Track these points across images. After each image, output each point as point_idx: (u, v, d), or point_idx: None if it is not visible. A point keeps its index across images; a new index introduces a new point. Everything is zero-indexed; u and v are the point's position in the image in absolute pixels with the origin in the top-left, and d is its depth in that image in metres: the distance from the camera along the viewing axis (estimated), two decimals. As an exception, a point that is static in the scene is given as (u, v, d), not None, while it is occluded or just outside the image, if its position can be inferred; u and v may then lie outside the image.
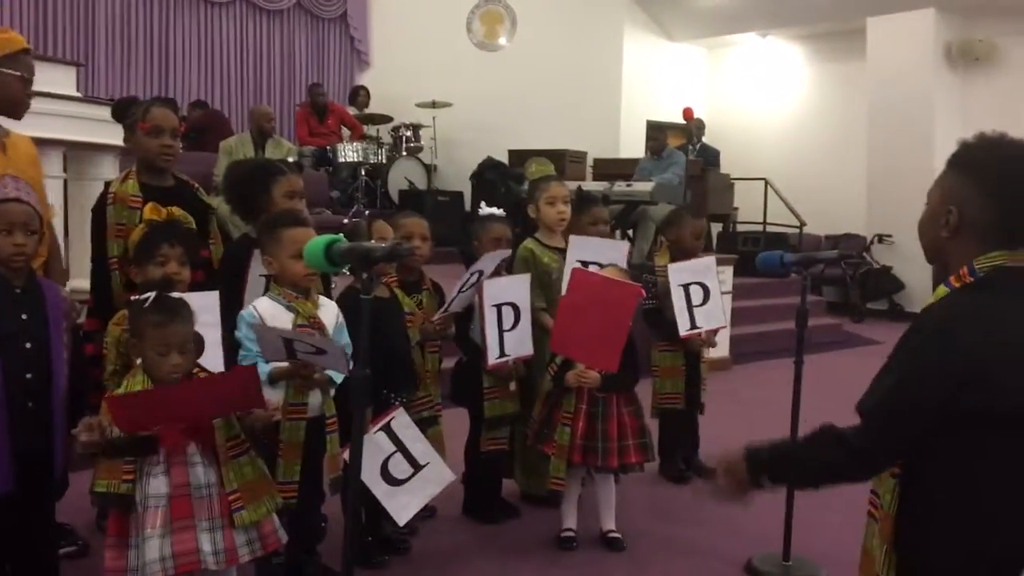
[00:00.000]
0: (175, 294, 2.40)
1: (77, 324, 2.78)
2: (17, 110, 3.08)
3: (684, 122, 10.64)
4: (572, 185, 8.32)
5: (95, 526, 3.28)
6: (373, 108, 11.09)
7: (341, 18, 12.26)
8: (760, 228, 10.38)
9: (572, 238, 3.74)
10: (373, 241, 3.11)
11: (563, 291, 3.65)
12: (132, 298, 2.40)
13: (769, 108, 12.35)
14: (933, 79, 10.36)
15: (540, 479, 3.59)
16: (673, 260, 4.17)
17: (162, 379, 2.30)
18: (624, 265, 3.69)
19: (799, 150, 11.81)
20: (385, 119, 10.90)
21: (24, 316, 2.51)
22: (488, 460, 3.62)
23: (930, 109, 10.28)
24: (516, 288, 3.50)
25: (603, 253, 3.73)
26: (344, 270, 2.18)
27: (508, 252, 3.57)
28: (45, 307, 2.56)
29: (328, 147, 10.17)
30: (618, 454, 3.35)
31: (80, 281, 4.67)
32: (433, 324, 3.38)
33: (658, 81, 12.05)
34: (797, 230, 10.26)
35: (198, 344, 2.39)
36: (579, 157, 10.46)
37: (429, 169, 10.94)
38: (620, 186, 8.07)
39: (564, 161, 10.09)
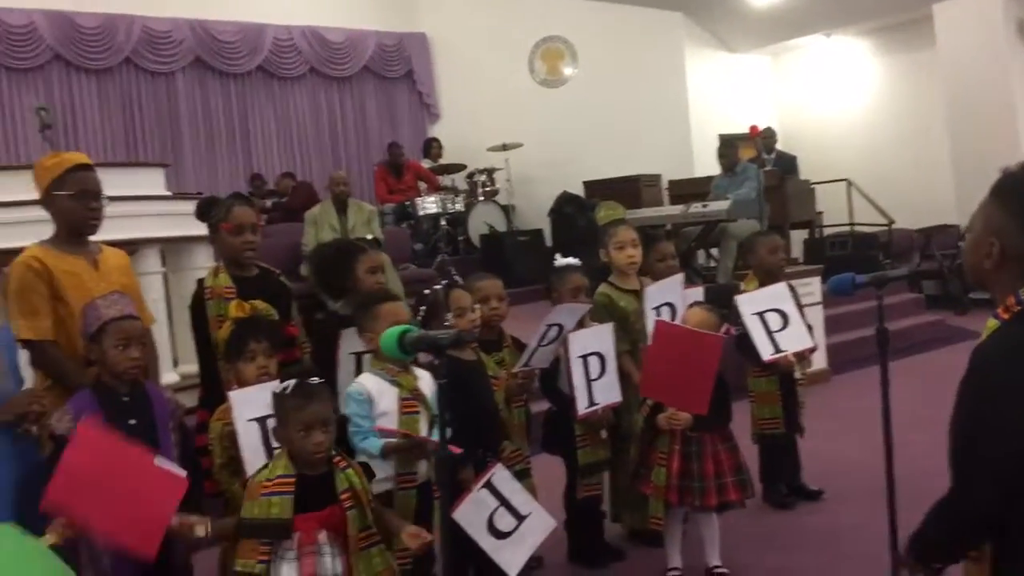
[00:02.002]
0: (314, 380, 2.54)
1: (182, 421, 2.96)
2: (84, 227, 3.16)
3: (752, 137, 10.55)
4: (648, 213, 8.44)
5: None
6: (446, 158, 11.35)
7: (407, 76, 12.61)
8: (847, 230, 10.18)
9: (646, 290, 3.79)
10: (450, 313, 3.23)
11: (646, 332, 3.71)
12: (273, 390, 2.55)
13: (842, 107, 12.15)
14: (1008, 57, 10.05)
15: (643, 514, 3.62)
16: (761, 284, 4.18)
17: (307, 459, 2.42)
18: (692, 296, 3.74)
19: (878, 146, 11.56)
20: (459, 167, 11.14)
21: (132, 421, 2.70)
22: (587, 506, 3.67)
23: (1008, 88, 9.96)
24: (600, 338, 3.56)
25: (675, 294, 3.78)
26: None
27: (588, 307, 3.63)
28: (152, 411, 2.76)
29: (407, 202, 10.44)
30: (716, 492, 3.37)
31: (186, 367, 4.96)
32: (516, 380, 3.47)
33: (725, 94, 12.01)
34: (886, 228, 10.03)
35: (338, 425, 2.52)
36: (653, 181, 10.48)
37: (507, 210, 11.11)
38: (696, 207, 8.06)
39: (639, 187, 10.13)
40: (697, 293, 4.11)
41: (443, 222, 10.27)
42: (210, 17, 10.94)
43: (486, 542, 2.93)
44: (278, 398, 2.48)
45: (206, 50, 10.95)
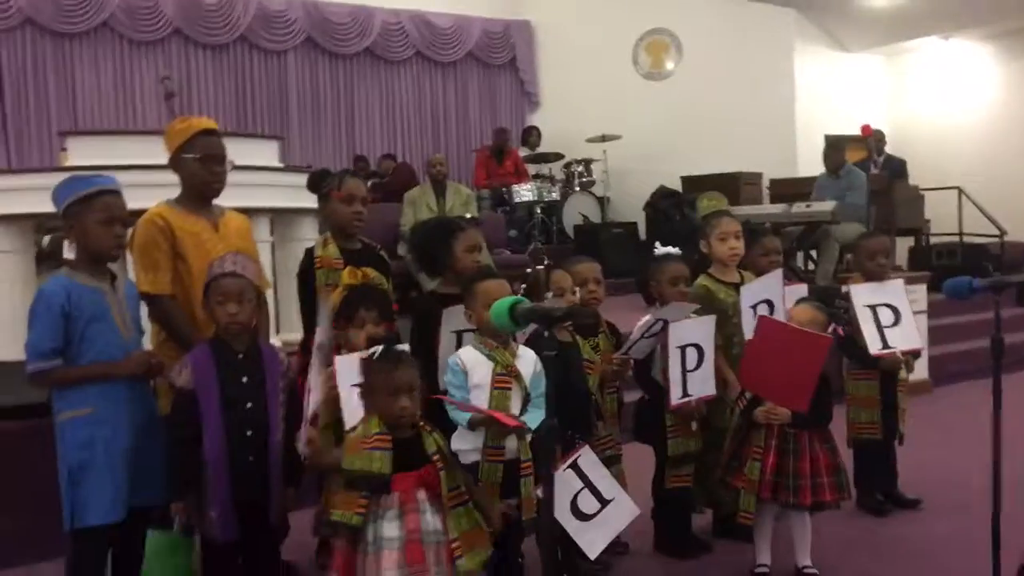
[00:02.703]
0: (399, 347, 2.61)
1: (291, 381, 3.07)
2: (207, 190, 3.31)
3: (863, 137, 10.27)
4: (749, 210, 8.30)
5: (316, 565, 3.57)
6: (544, 147, 11.38)
7: (511, 63, 12.70)
8: (956, 240, 9.82)
9: (742, 290, 3.75)
10: (550, 293, 3.26)
11: (742, 328, 3.68)
12: (361, 356, 2.62)
13: (958, 113, 11.72)
14: None
15: (732, 506, 3.59)
16: (868, 287, 4.09)
17: (394, 422, 2.49)
18: (796, 293, 3.68)
19: (994, 154, 11.11)
20: (557, 156, 11.16)
21: (245, 379, 2.82)
22: (675, 496, 3.66)
23: None
24: (701, 329, 3.54)
25: (774, 291, 3.73)
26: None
27: (695, 307, 3.60)
28: (263, 370, 2.87)
29: (504, 188, 10.52)
30: (811, 491, 3.31)
31: (288, 335, 5.11)
32: (611, 367, 3.48)
33: (834, 94, 11.71)
34: (997, 239, 9.64)
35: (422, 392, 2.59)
36: (754, 179, 10.31)
37: (602, 202, 11.08)
38: (799, 207, 7.90)
39: (739, 184, 9.97)
40: (800, 290, 4.03)
41: (538, 210, 10.31)
42: (323, -1, 11.22)
43: (568, 522, 2.96)
44: (366, 363, 2.55)
45: (317, 30, 11.23)
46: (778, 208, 8.10)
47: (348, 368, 2.80)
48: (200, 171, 3.26)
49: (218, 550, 2.76)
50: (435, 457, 2.53)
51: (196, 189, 3.30)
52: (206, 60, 10.60)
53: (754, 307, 3.74)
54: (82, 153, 4.84)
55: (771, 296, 3.77)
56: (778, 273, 3.89)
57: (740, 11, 11.24)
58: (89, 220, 2.80)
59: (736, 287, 3.84)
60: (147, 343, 3.14)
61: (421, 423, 2.57)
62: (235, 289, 2.84)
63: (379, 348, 2.54)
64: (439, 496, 2.51)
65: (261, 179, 4.92)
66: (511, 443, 2.92)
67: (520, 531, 3.07)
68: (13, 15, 9.44)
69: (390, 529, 2.42)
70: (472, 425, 2.84)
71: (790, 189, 9.49)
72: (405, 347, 2.63)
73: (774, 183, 10.26)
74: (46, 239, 6.19)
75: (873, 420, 4.10)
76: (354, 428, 2.56)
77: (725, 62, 11.21)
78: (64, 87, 9.80)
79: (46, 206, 3.09)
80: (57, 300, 2.73)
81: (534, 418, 2.88)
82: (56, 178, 3.02)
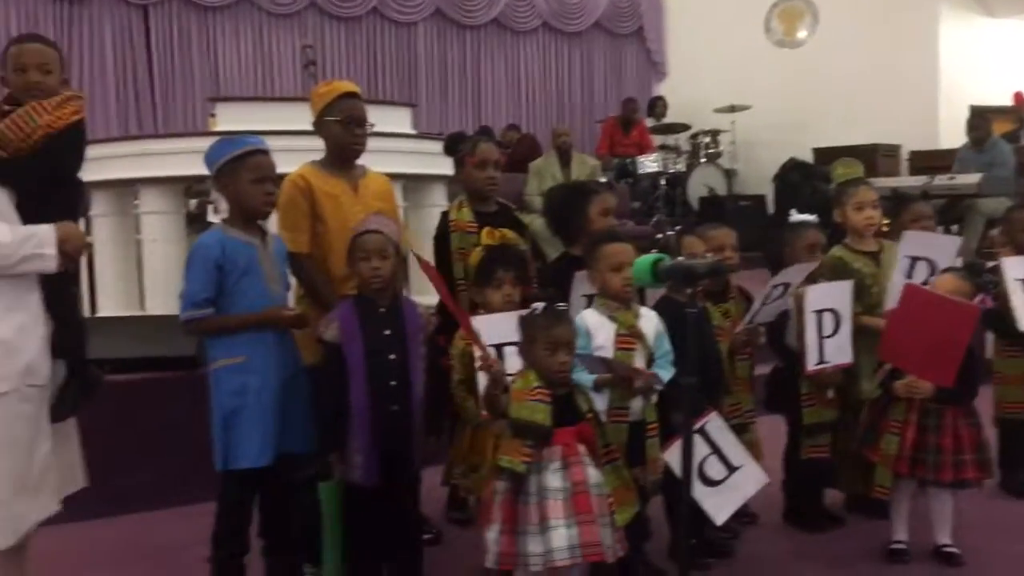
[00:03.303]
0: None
1: (432, 336, 3.15)
2: (346, 152, 3.38)
3: (1015, 107, 9.70)
4: (887, 182, 7.97)
5: (445, 518, 3.68)
6: (671, 117, 11.20)
7: (637, 32, 12.54)
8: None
9: (905, 234, 3.62)
10: (682, 256, 3.22)
11: (884, 299, 3.56)
12: (521, 313, 2.70)
13: (1117, 80, 10.90)
14: None
15: (867, 481, 3.49)
16: (1017, 259, 3.88)
17: (552, 376, 2.56)
18: (955, 263, 3.52)
19: None
20: (683, 127, 10.97)
21: (387, 332, 2.90)
22: (809, 468, 3.59)
23: None
24: (838, 294, 3.45)
25: (934, 249, 3.58)
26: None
27: (814, 265, 3.51)
28: (405, 323, 2.96)
29: (628, 159, 10.42)
30: (953, 468, 3.19)
31: (421, 298, 5.23)
32: (740, 335, 3.42)
33: (981, 62, 11.06)
34: None
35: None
36: (892, 151, 9.91)
37: (729, 174, 10.85)
38: (941, 179, 7.57)
39: (876, 156, 9.59)
40: (953, 243, 3.83)
41: (662, 182, 10.18)
42: (452, -30, 11.34)
43: (696, 488, 2.94)
44: (528, 319, 2.61)
45: (446, 2, 11.35)
46: (919, 180, 7.78)
47: (486, 329, 2.85)
48: (342, 133, 3.35)
49: (360, 495, 2.87)
50: (589, 415, 2.61)
51: (338, 151, 3.39)
52: (339, 32, 10.90)
53: (912, 263, 3.58)
54: (230, 118, 5.06)
55: (928, 254, 3.60)
56: (955, 239, 3.71)
57: (881, -26, 10.77)
58: (242, 179, 2.92)
59: (873, 256, 3.71)
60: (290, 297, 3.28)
61: (574, 381, 2.64)
62: (376, 245, 2.92)
63: (541, 304, 2.61)
64: (595, 451, 2.60)
65: (395, 145, 5.03)
66: (636, 404, 2.93)
67: (645, 493, 3.08)
68: (161, -13, 9.93)
69: (554, 480, 2.49)
70: (598, 385, 2.86)
71: (931, 161, 9.09)
72: (563, 306, 2.70)
73: (914, 155, 9.83)
74: (192, 203, 6.51)
75: (1021, 399, 3.92)
76: (513, 380, 2.63)
77: (863, 29, 10.76)
78: (207, 57, 10.26)
79: (194, 168, 3.26)
80: (212, 253, 2.86)
81: (665, 373, 2.88)
82: (204, 142, 3.16)
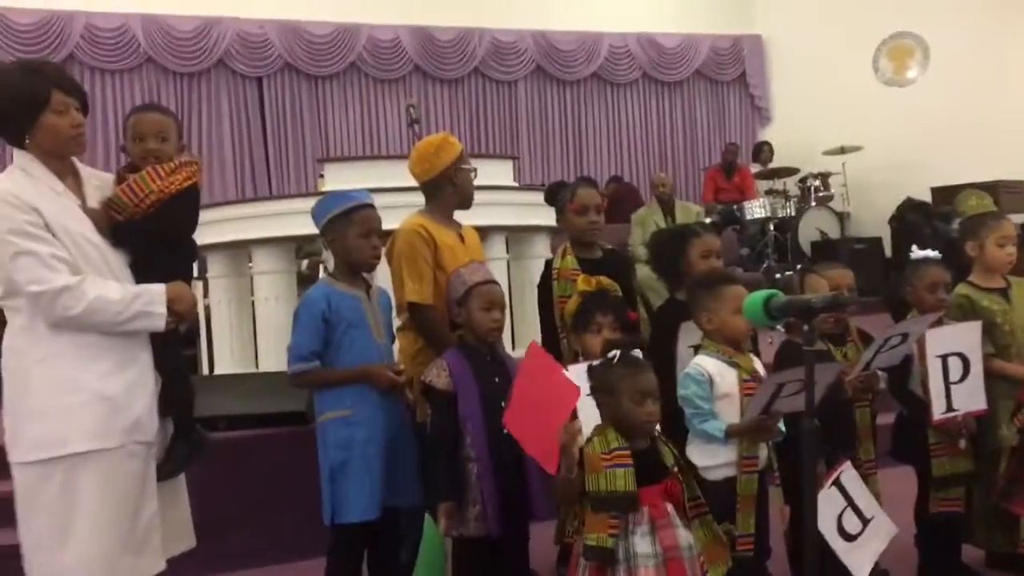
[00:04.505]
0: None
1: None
2: (470, 202, 3.52)
3: None
4: (1013, 219, 7.56)
5: (556, 573, 3.58)
6: (777, 162, 10.97)
7: (740, 78, 12.41)
8: None
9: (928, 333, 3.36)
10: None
11: (1018, 337, 3.33)
12: (591, 364, 2.58)
13: None
14: None
15: (1009, 537, 3.24)
16: None
17: (639, 428, 2.41)
18: None
19: None
20: (791, 171, 10.71)
21: (496, 379, 2.88)
22: (941, 522, 3.35)
23: None
24: (965, 336, 3.23)
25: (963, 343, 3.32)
26: (779, 326, 2.22)
27: (936, 316, 3.30)
28: (509, 371, 2.92)
29: (735, 205, 10.24)
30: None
31: (522, 350, 5.20)
32: (855, 380, 3.22)
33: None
34: None
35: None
36: (1017, 187, 9.42)
37: (841, 217, 10.50)
38: (1071, 214, 7.12)
39: (998, 193, 9.12)
40: None
41: (771, 227, 9.93)
42: (552, 28, 11.51)
43: (837, 543, 2.77)
44: (604, 368, 2.47)
45: (546, 59, 11.52)
46: (1048, 216, 7.34)
47: (579, 377, 2.77)
48: (472, 182, 3.46)
49: (473, 548, 2.82)
50: (675, 468, 2.46)
51: (461, 201, 3.46)
52: (443, 93, 11.16)
53: (944, 359, 3.33)
54: (337, 178, 5.19)
55: (965, 350, 3.37)
56: (977, 325, 3.46)
57: (993, 7, 10.36)
58: (349, 233, 2.97)
59: (1002, 293, 3.49)
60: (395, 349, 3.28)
61: (657, 432, 2.50)
62: (500, 297, 2.94)
63: (618, 352, 2.48)
64: (683, 508, 2.44)
65: (497, 198, 5.05)
66: (763, 452, 2.80)
67: (768, 548, 2.93)
68: (274, 60, 10.39)
69: (643, 545, 2.35)
70: (731, 434, 2.74)
71: (1060, 196, 8.59)
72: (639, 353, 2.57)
73: (1039, 190, 9.33)
74: (304, 263, 6.69)
75: None
76: (588, 440, 2.48)
77: (976, 62, 10.34)
78: (317, 122, 10.65)
79: (304, 228, 3.33)
80: (319, 306, 2.91)
81: (782, 424, 2.75)
82: (312, 202, 3.21)
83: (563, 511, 3.26)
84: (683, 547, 2.37)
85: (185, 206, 2.71)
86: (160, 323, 2.52)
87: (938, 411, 3.19)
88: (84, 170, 2.63)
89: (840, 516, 2.78)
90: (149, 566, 2.55)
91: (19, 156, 2.49)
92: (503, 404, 2.81)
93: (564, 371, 2.46)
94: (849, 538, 2.79)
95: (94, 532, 2.39)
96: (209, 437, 2.96)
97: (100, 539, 2.40)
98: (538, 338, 3.70)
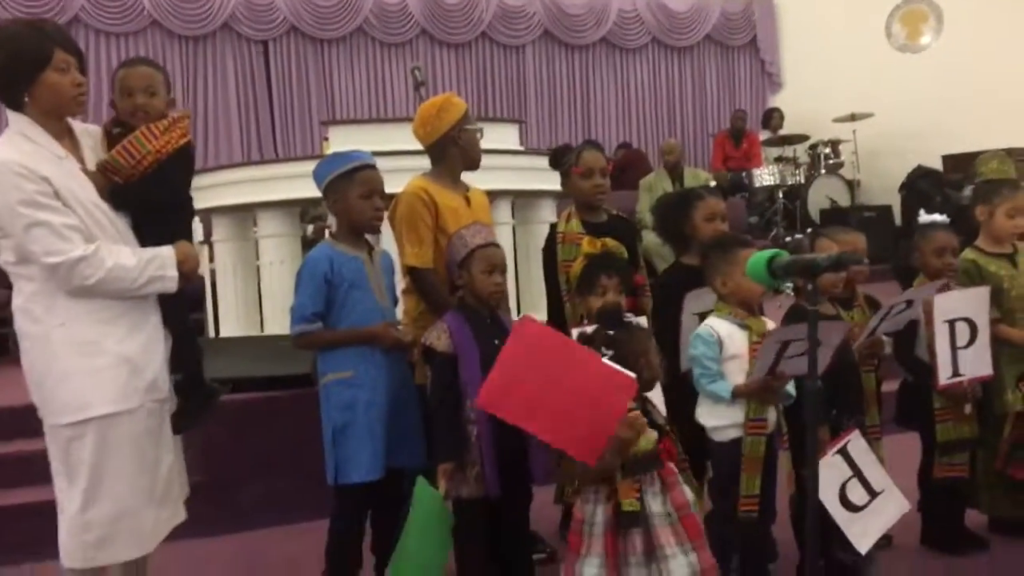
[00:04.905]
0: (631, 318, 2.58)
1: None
2: (475, 163, 3.45)
3: None
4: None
5: (559, 536, 3.59)
6: (787, 128, 10.89)
7: (751, 43, 12.28)
8: None
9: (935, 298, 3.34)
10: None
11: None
12: (584, 332, 2.62)
13: None
14: None
15: (1013, 502, 3.23)
16: None
17: (642, 386, 2.46)
18: None
19: None
20: (801, 138, 10.63)
21: (496, 342, 2.85)
22: (945, 487, 3.35)
23: None
24: (972, 302, 3.21)
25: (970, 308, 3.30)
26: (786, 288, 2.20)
27: (940, 283, 3.27)
28: (508, 333, 2.90)
29: (744, 172, 10.17)
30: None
31: (530, 313, 5.19)
32: (861, 346, 3.20)
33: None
34: None
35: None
36: (1029, 155, 9.32)
37: (852, 185, 10.43)
38: (1085, 182, 7.05)
39: (1012, 160, 9.05)
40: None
41: (780, 195, 9.88)
42: (561, -10, 11.38)
43: (838, 512, 2.76)
44: (601, 335, 2.52)
45: (555, 23, 11.40)
46: (1059, 183, 7.27)
47: None
48: (475, 144, 3.39)
49: (473, 509, 2.82)
50: (666, 427, 2.51)
51: (468, 162, 3.41)
52: (449, 57, 11.07)
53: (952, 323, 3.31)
54: (342, 141, 5.13)
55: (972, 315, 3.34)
56: (984, 290, 3.43)
57: (1010, -29, 10.22)
58: (351, 194, 2.95)
59: (1009, 258, 3.47)
60: (398, 311, 3.27)
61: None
62: (502, 260, 2.92)
63: (589, 329, 2.55)
64: (680, 466, 2.52)
65: (503, 162, 4.99)
66: (771, 415, 2.79)
67: (773, 512, 2.93)
68: (279, 24, 10.30)
69: (656, 505, 2.40)
70: (738, 394, 2.73)
71: (1073, 164, 8.49)
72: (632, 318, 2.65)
73: (1053, 158, 9.22)
74: (309, 228, 6.68)
75: None
76: None
77: (991, 28, 10.21)
78: (323, 86, 10.57)
79: (309, 191, 3.30)
80: (321, 267, 2.90)
81: (792, 387, 2.74)
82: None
83: (563, 471, 3.28)
84: (691, 503, 2.43)
85: (181, 164, 2.70)
86: (173, 285, 2.56)
87: (944, 376, 3.18)
88: (77, 127, 2.61)
89: (844, 485, 2.77)
90: (171, 515, 2.65)
91: (16, 120, 2.46)
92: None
93: (607, 360, 2.39)
94: (853, 508, 2.78)
95: (121, 489, 2.47)
96: (221, 390, 2.96)
97: (127, 495, 2.48)
98: (544, 302, 3.70)
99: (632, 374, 2.35)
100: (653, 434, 2.43)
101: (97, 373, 2.44)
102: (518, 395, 2.31)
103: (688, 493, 2.44)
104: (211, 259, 5.73)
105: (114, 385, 2.46)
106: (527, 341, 2.37)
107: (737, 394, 2.71)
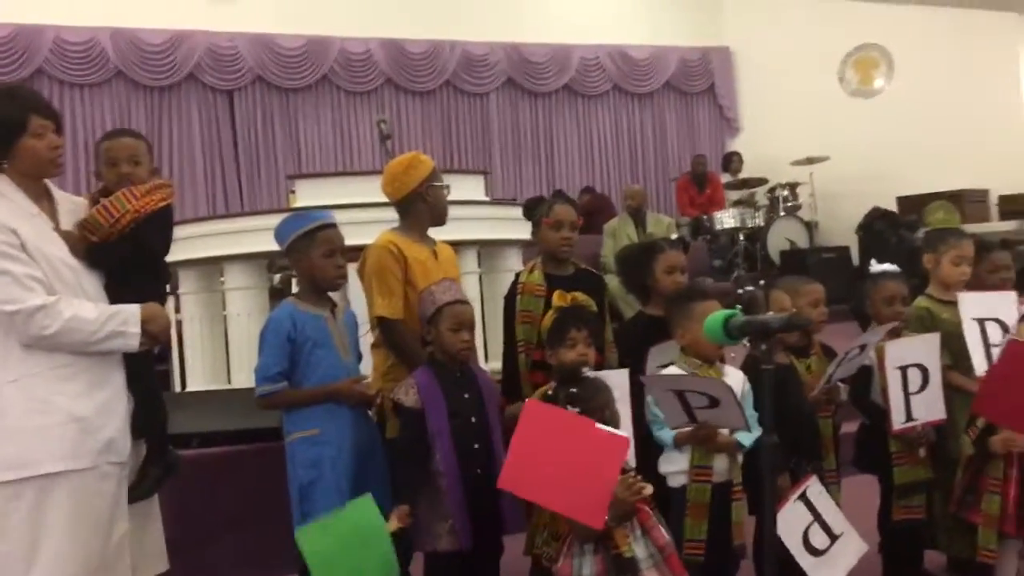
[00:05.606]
0: (589, 373, 2.65)
1: (502, 402, 3.14)
2: (442, 219, 3.53)
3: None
4: (976, 228, 7.72)
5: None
6: (747, 172, 11.11)
7: (709, 90, 12.57)
8: None
9: (961, 296, 3.49)
10: (770, 312, 3.16)
11: (970, 348, 3.41)
12: (547, 392, 2.69)
13: None
14: None
15: (969, 542, 3.31)
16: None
17: None
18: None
19: None
20: (760, 181, 10.86)
21: (466, 395, 2.91)
22: (904, 529, 3.43)
23: None
24: (923, 348, 3.32)
25: (995, 307, 3.43)
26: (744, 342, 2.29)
27: (890, 326, 3.39)
28: (480, 386, 2.96)
29: (705, 216, 10.34)
30: (1063, 524, 3.01)
31: (496, 363, 5.23)
32: (818, 394, 3.29)
33: (1069, 100, 10.74)
34: None
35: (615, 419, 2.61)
36: (980, 196, 9.62)
37: (810, 226, 10.65)
38: (1034, 223, 7.29)
39: (962, 202, 9.30)
40: (1010, 298, 3.66)
41: (741, 237, 10.05)
42: (523, 40, 11.59)
43: (802, 558, 2.83)
44: (567, 398, 2.59)
45: (517, 71, 11.61)
46: (1010, 225, 7.52)
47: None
48: (444, 198, 3.48)
49: (444, 563, 2.84)
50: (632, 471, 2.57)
51: (436, 217, 3.49)
52: (415, 105, 11.20)
53: (982, 324, 3.46)
54: (309, 194, 5.21)
55: (1002, 316, 3.47)
56: (1012, 295, 3.58)
57: (956, 19, 10.57)
58: (313, 253, 3.00)
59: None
60: (364, 367, 3.30)
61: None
62: (470, 318, 2.97)
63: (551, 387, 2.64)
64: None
65: (469, 212, 5.08)
66: (720, 464, 2.87)
67: (735, 559, 2.98)
68: (244, 74, 10.37)
69: (639, 549, 2.47)
70: (679, 442, 2.80)
71: (1022, 204, 8.77)
72: (598, 374, 2.73)
73: (1003, 199, 9.52)
74: (276, 277, 6.69)
75: None
76: None
77: (942, 74, 10.54)
78: (289, 136, 10.63)
79: (276, 244, 3.35)
80: (284, 327, 2.94)
81: (746, 438, 2.80)
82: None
83: (533, 523, 3.31)
84: (669, 543, 2.50)
85: (159, 226, 2.74)
86: (134, 343, 2.55)
87: (898, 421, 3.27)
88: (57, 193, 2.66)
89: (806, 531, 2.84)
90: None
91: None
92: (473, 419, 2.87)
93: (598, 425, 2.45)
94: (816, 553, 2.85)
95: (63, 553, 2.41)
96: (180, 457, 2.97)
97: (69, 561, 2.42)
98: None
99: (625, 434, 2.45)
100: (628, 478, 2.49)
101: (44, 431, 2.41)
102: (531, 473, 2.40)
103: (666, 533, 2.51)
104: (177, 311, 5.73)
105: (60, 443, 2.43)
106: (533, 422, 2.45)
107: (679, 441, 2.78)
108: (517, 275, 3.72)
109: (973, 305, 3.45)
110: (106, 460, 2.52)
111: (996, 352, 3.27)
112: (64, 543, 2.41)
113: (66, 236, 2.55)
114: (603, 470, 2.35)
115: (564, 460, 2.36)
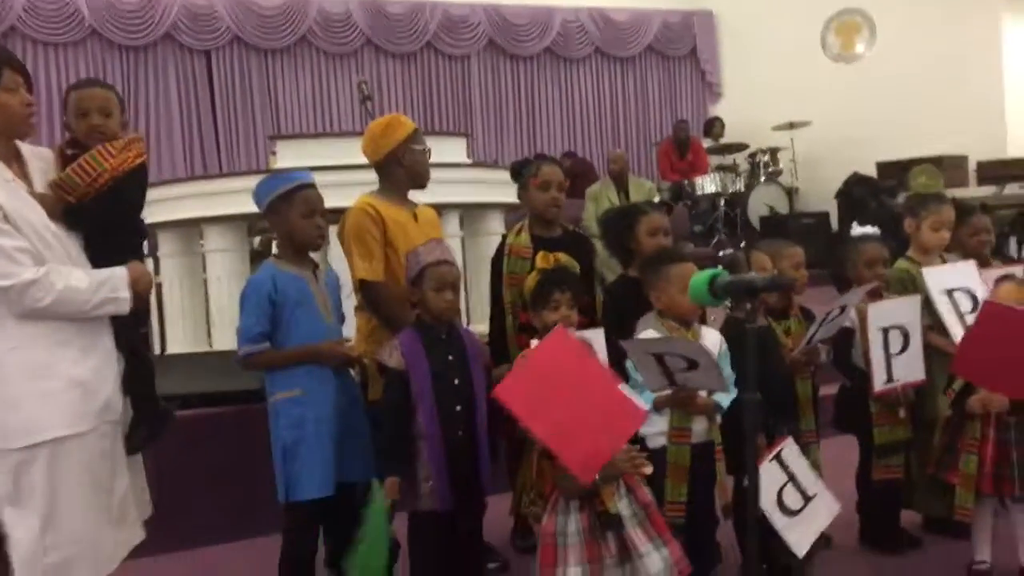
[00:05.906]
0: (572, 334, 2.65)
1: (488, 363, 3.14)
2: (422, 180, 3.49)
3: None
4: (954, 193, 7.75)
5: (512, 545, 3.64)
6: (728, 137, 11.11)
7: (691, 54, 12.51)
8: None
9: (925, 272, 3.52)
10: (752, 272, 3.17)
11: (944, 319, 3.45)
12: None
13: None
14: None
15: (945, 502, 3.36)
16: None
17: None
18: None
19: None
20: (741, 147, 10.86)
21: (450, 357, 2.91)
22: (882, 489, 3.48)
23: None
24: (905, 309, 3.35)
25: (961, 278, 3.47)
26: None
27: (871, 286, 3.40)
28: (465, 348, 2.96)
29: (686, 181, 10.35)
30: (1039, 482, 3.06)
31: (479, 326, 5.23)
32: (798, 356, 3.31)
33: (1049, 67, 10.77)
34: None
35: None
36: (959, 162, 9.65)
37: (790, 192, 10.69)
38: (1012, 188, 7.35)
39: (942, 168, 9.35)
40: (994, 273, 3.70)
41: (721, 203, 10.08)
42: (504, 1, 11.47)
43: (776, 517, 2.86)
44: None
45: (499, 33, 11.49)
46: (988, 190, 7.57)
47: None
48: (424, 161, 3.43)
49: (427, 522, 2.86)
50: None
51: (415, 178, 3.45)
52: (395, 67, 11.09)
53: (950, 293, 3.50)
54: (290, 156, 5.14)
55: (967, 284, 3.51)
56: (971, 262, 3.62)
57: (938, -17, 10.57)
58: (292, 214, 2.97)
59: (941, 271, 3.62)
60: (347, 330, 3.29)
61: None
62: (454, 277, 2.95)
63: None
64: None
65: (451, 175, 5.03)
66: (698, 425, 2.88)
67: (715, 519, 3.02)
68: (222, 33, 10.22)
69: (623, 507, 2.50)
70: (658, 406, 2.82)
71: (1000, 171, 8.85)
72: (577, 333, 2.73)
73: (981, 165, 9.56)
74: (256, 240, 6.63)
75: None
76: None
77: (923, 39, 10.54)
78: (267, 97, 10.51)
79: (256, 206, 3.31)
80: (264, 288, 2.91)
81: (725, 399, 2.82)
82: (264, 180, 3.21)
83: (519, 483, 3.33)
84: (653, 501, 2.54)
85: (136, 184, 2.70)
86: (126, 307, 2.55)
87: (879, 382, 3.30)
88: (25, 150, 2.59)
89: (780, 491, 2.87)
90: (129, 537, 2.65)
91: None
92: (456, 381, 2.87)
93: (622, 386, 2.44)
94: (790, 513, 2.88)
95: (76, 512, 2.45)
96: (172, 411, 2.96)
97: (83, 518, 2.46)
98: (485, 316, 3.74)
99: (646, 405, 2.45)
100: (632, 450, 2.55)
101: (49, 396, 2.43)
102: (534, 396, 2.32)
103: (648, 492, 2.55)
104: (156, 273, 5.67)
105: (67, 408, 2.45)
106: (558, 349, 2.39)
107: (658, 405, 2.80)
108: (504, 237, 3.71)
109: (938, 278, 3.51)
110: (104, 420, 2.55)
111: (970, 319, 3.30)
112: (76, 503, 2.45)
113: (42, 199, 2.50)
114: (613, 432, 2.34)
115: (575, 403, 2.30)
